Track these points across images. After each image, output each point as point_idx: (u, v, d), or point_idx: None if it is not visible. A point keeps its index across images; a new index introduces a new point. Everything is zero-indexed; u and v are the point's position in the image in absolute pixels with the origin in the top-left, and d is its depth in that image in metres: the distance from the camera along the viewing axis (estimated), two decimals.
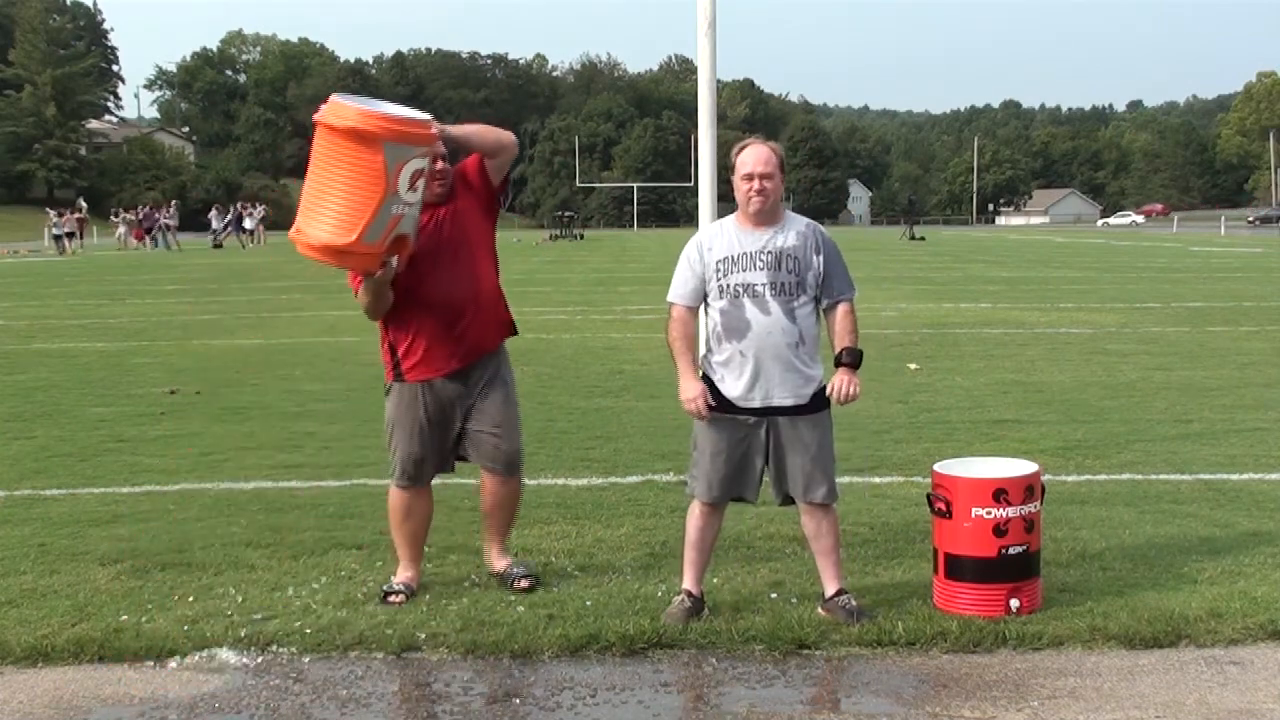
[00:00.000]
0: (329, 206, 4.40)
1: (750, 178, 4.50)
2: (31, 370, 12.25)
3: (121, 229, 51.65)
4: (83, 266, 36.11)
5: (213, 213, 53.07)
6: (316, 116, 4.43)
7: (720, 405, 4.59)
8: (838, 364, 4.61)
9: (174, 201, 56.43)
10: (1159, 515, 5.97)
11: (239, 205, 58.66)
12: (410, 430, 4.89)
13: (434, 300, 4.79)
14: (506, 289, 5.14)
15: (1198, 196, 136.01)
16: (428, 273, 4.77)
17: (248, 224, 54.61)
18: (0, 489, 6.91)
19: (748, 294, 4.51)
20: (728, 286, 4.54)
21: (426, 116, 4.59)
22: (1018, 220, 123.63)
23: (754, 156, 4.52)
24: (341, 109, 4.40)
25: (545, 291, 22.00)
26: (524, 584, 4.95)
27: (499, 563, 5.10)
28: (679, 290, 4.67)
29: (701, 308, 4.70)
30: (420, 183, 4.51)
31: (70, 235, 47.19)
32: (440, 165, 4.76)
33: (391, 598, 4.83)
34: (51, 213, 49.85)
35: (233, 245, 51.02)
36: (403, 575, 4.99)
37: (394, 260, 4.60)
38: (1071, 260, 34.43)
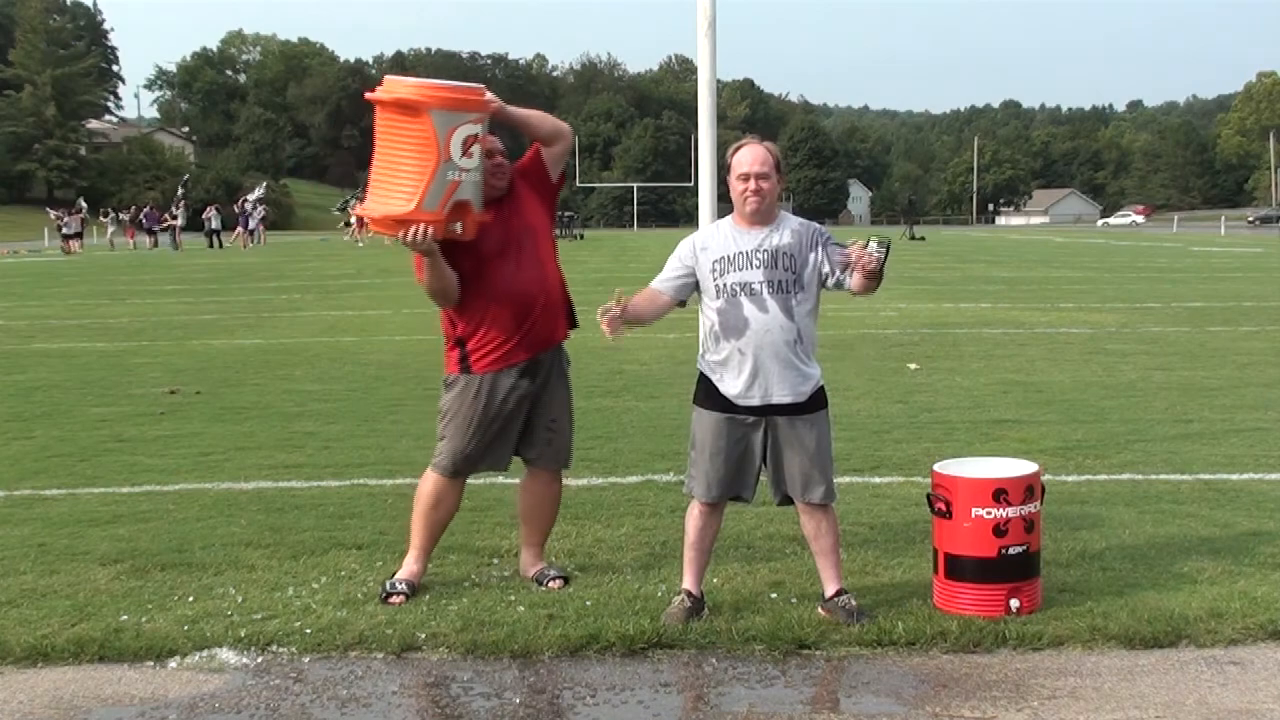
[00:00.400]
0: (389, 180, 4.58)
1: (747, 178, 4.51)
2: (31, 370, 12.25)
3: (111, 228, 51.15)
4: (83, 266, 36.11)
5: (209, 212, 52.85)
6: (369, 95, 4.60)
7: (719, 404, 4.59)
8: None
9: (182, 201, 56.34)
10: (1159, 515, 5.97)
11: (242, 200, 58.53)
12: (467, 422, 4.88)
13: (505, 292, 4.81)
14: None
15: (1198, 196, 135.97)
16: (497, 265, 4.81)
17: (250, 222, 54.56)
18: (0, 489, 6.92)
19: (745, 292, 4.52)
20: (724, 286, 4.54)
21: (477, 86, 4.67)
22: (1018, 220, 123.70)
23: (750, 157, 4.53)
24: (390, 83, 4.58)
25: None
26: (556, 584, 4.96)
27: (532, 568, 5.10)
28: (661, 277, 4.71)
29: (699, 308, 4.69)
30: (475, 149, 4.59)
31: (79, 235, 47.60)
32: (498, 159, 4.82)
33: (393, 599, 4.82)
34: (52, 212, 49.82)
35: (230, 245, 50.95)
36: (407, 570, 4.98)
37: (458, 227, 4.66)
38: (1071, 260, 34.44)
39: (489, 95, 4.67)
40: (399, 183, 4.55)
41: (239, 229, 52.90)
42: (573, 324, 5.10)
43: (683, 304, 4.78)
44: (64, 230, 47.11)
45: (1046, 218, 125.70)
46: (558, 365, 5.02)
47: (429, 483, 4.99)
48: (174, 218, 52.16)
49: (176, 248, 48.60)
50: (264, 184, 57.42)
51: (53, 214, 49.56)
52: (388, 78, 4.65)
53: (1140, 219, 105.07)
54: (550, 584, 4.96)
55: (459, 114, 4.52)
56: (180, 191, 60.11)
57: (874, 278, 4.48)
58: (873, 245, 4.42)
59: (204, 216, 52.53)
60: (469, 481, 5.10)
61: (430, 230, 4.57)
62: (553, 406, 4.98)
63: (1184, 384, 10.29)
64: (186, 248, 48.99)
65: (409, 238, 4.56)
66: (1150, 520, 5.87)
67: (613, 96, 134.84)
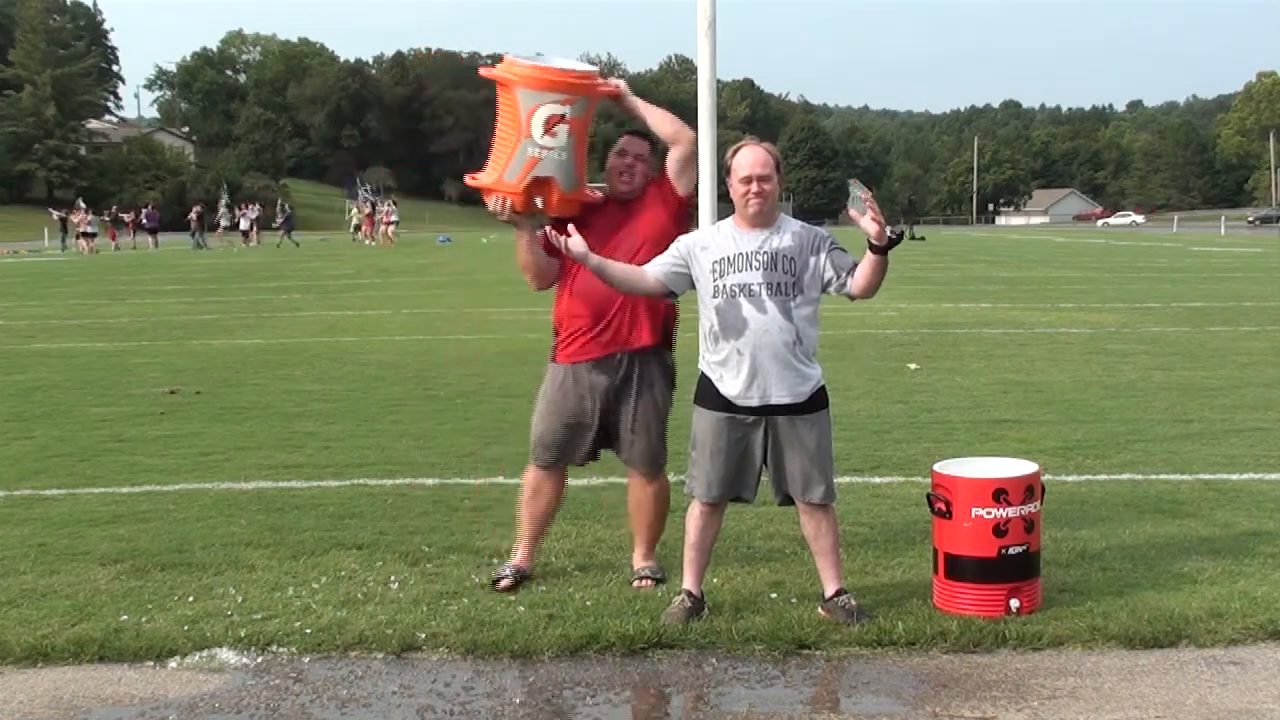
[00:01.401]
0: (494, 152, 4.85)
1: (748, 180, 4.50)
2: (31, 370, 12.25)
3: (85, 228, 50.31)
4: (83, 266, 36.10)
5: (193, 214, 53.02)
6: (483, 71, 4.91)
7: (719, 404, 4.59)
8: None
9: (200, 203, 56.74)
10: (1159, 515, 5.97)
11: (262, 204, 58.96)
12: (546, 409, 5.07)
13: (585, 288, 4.93)
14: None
15: (1198, 196, 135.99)
16: None
17: (242, 224, 54.62)
18: (0, 489, 6.91)
19: (744, 293, 4.52)
20: (724, 286, 4.54)
21: (585, 68, 4.81)
22: (1018, 220, 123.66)
23: (751, 159, 4.52)
24: (504, 62, 4.79)
25: (545, 291, 21.97)
26: (643, 584, 4.99)
27: (636, 562, 5.17)
28: (654, 262, 4.70)
29: (701, 309, 4.69)
30: (560, 128, 4.72)
31: (92, 235, 47.99)
32: (630, 160, 4.94)
33: (500, 583, 4.96)
34: (55, 213, 49.71)
35: (217, 245, 51.12)
36: (515, 559, 5.11)
37: (539, 201, 4.80)
38: (1071, 260, 34.44)
39: (612, 81, 4.82)
40: (494, 155, 4.82)
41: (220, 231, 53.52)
42: (663, 341, 5.06)
43: (673, 296, 4.76)
44: (81, 229, 47.72)
45: (1046, 218, 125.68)
46: (646, 372, 5.03)
47: (526, 472, 5.20)
48: (231, 218, 53.07)
49: (201, 246, 49.40)
50: (257, 207, 57.85)
51: (55, 214, 49.46)
52: (507, 56, 4.84)
53: (1140, 219, 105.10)
54: (636, 582, 5.01)
55: (544, 93, 4.68)
56: (224, 199, 60.68)
57: (880, 271, 4.47)
58: (855, 191, 4.40)
59: (188, 218, 52.91)
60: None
61: (510, 202, 4.77)
62: (639, 409, 5.02)
63: (1184, 384, 10.29)
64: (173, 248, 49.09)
65: (493, 206, 4.83)
66: (1150, 520, 5.87)
67: None
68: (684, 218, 5.05)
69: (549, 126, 4.71)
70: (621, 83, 4.95)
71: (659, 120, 4.99)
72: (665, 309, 5.01)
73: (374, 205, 57.08)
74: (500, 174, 4.78)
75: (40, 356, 13.51)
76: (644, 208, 4.95)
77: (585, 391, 5.00)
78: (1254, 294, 20.43)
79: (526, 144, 4.72)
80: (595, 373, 4.99)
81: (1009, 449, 7.03)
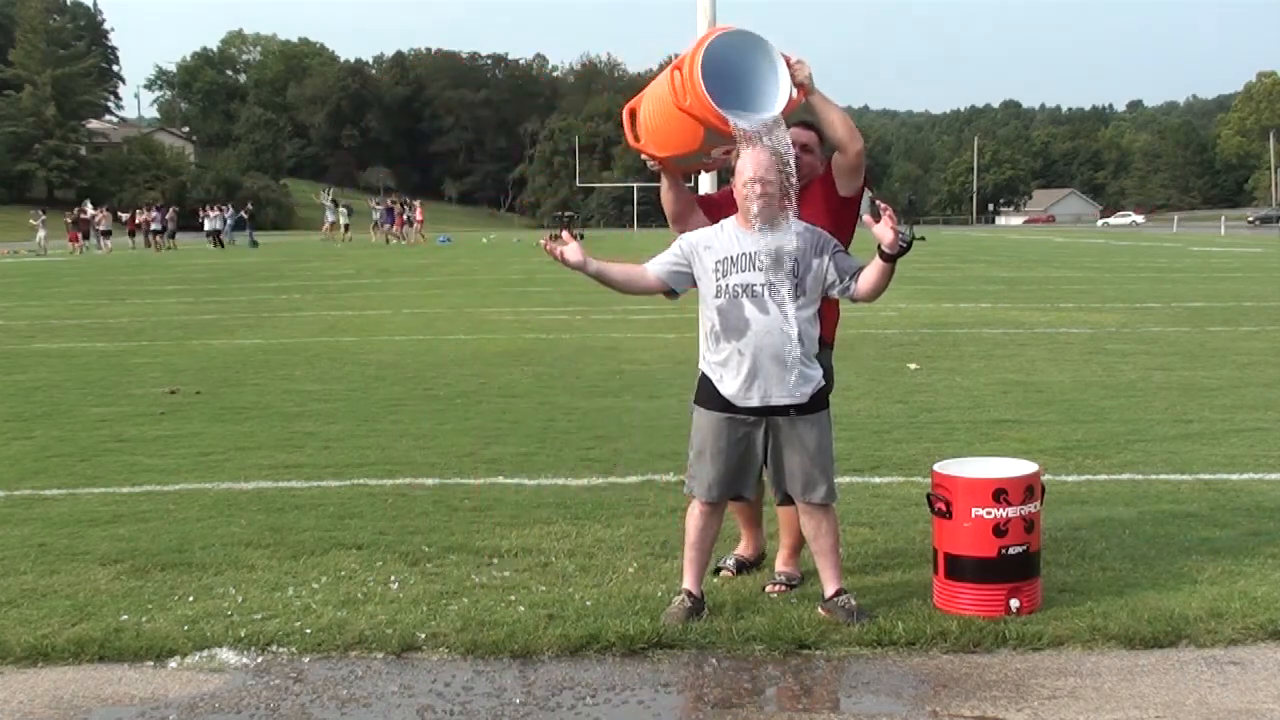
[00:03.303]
0: (657, 123, 4.72)
1: (750, 183, 4.51)
2: (31, 370, 12.25)
3: (41, 232, 49.87)
4: (83, 266, 36.11)
5: (165, 213, 53.14)
6: (677, 68, 4.54)
7: (719, 404, 4.59)
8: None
9: (239, 204, 56.89)
10: (1159, 515, 5.97)
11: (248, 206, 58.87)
12: None
13: None
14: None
15: (1198, 196, 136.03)
16: None
17: (207, 225, 54.05)
18: (0, 489, 6.92)
19: (746, 294, 4.52)
20: (726, 286, 4.54)
21: (771, 116, 4.58)
22: (1018, 220, 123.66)
23: (754, 161, 4.53)
24: (701, 102, 4.49)
25: (545, 291, 21.96)
26: (772, 588, 4.97)
27: (779, 565, 5.14)
28: (653, 260, 4.71)
29: (702, 309, 4.69)
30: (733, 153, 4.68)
31: (107, 233, 48.42)
32: (795, 151, 4.73)
33: (721, 573, 5.10)
34: (35, 218, 49.58)
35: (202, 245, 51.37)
36: (739, 547, 5.26)
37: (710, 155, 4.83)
38: (1071, 260, 34.44)
39: (799, 74, 4.62)
40: (659, 131, 4.71)
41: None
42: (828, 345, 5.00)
43: (672, 294, 4.77)
44: (99, 228, 48.33)
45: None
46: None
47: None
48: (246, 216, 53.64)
49: (230, 243, 50.20)
50: (226, 210, 58.02)
51: (34, 220, 49.39)
52: (691, 61, 4.52)
53: (1140, 219, 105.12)
54: (771, 586, 4.99)
55: (728, 139, 4.60)
56: (249, 208, 60.87)
57: (887, 277, 4.51)
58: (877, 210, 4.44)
59: (166, 218, 53.02)
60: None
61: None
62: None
63: (1184, 384, 10.29)
64: (182, 248, 49.14)
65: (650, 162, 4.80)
66: (1150, 520, 5.87)
67: (613, 96, 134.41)
68: (845, 217, 4.96)
69: (719, 157, 4.80)
70: (807, 70, 4.67)
71: (831, 122, 4.79)
72: (833, 315, 5.01)
73: (404, 204, 57.27)
74: (668, 155, 4.75)
75: (40, 356, 13.51)
76: (810, 198, 4.86)
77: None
78: (1254, 294, 20.43)
79: (698, 156, 4.78)
80: None
81: (1009, 449, 7.03)
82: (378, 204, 58.36)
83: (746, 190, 4.51)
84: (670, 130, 4.69)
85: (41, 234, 48.24)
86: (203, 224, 54.74)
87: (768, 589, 4.96)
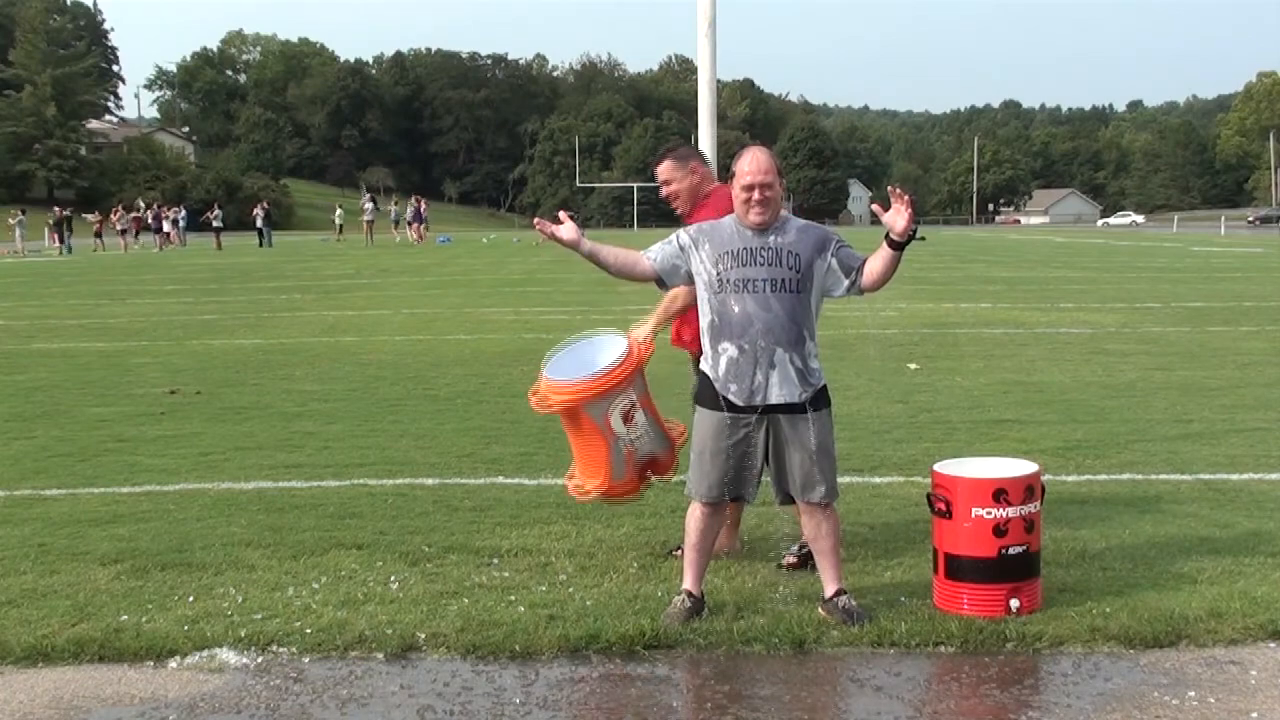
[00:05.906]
0: (584, 461, 5.05)
1: (752, 188, 4.51)
2: (31, 370, 12.25)
3: (17, 231, 49.47)
4: (83, 266, 36.11)
5: (139, 212, 53.19)
6: (535, 406, 4.90)
7: (720, 404, 4.59)
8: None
9: (248, 205, 56.52)
10: (1159, 515, 5.97)
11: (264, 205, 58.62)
12: None
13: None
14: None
15: (1198, 196, 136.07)
16: None
17: (165, 225, 53.92)
18: (0, 489, 6.92)
19: (748, 289, 4.52)
20: (728, 281, 4.54)
21: (621, 350, 4.87)
22: (1017, 220, 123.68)
23: (754, 165, 4.53)
24: (546, 391, 4.85)
25: (545, 291, 21.97)
26: (790, 559, 5.16)
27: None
28: (650, 249, 4.73)
29: (701, 304, 4.69)
30: (636, 414, 4.90)
31: (125, 231, 48.68)
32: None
33: (787, 559, 5.20)
34: (14, 218, 49.44)
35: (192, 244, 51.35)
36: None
37: (652, 476, 5.22)
38: (1071, 260, 34.43)
39: (637, 335, 4.96)
40: (586, 464, 5.02)
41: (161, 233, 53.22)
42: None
43: (662, 285, 4.80)
44: (118, 226, 48.70)
45: (1046, 218, 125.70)
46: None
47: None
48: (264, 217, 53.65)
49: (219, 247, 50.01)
50: (204, 211, 57.92)
51: (13, 220, 49.16)
52: (544, 384, 4.87)
53: (1139, 219, 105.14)
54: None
55: (607, 399, 4.79)
56: (265, 206, 60.80)
57: (894, 265, 4.51)
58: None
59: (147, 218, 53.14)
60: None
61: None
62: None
63: (1184, 384, 10.29)
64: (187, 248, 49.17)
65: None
66: (1150, 520, 5.87)
67: (613, 96, 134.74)
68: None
69: (627, 419, 4.88)
70: (645, 332, 5.04)
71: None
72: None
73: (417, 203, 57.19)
74: (607, 478, 4.96)
75: (40, 356, 13.51)
76: (703, 216, 5.08)
77: None
78: (1254, 294, 20.43)
79: (617, 443, 4.90)
80: None
81: (1009, 449, 7.03)
82: (369, 204, 57.70)
83: (746, 192, 4.51)
84: (581, 449, 4.98)
85: (19, 234, 48.08)
86: (209, 223, 54.95)
87: (784, 560, 5.13)
